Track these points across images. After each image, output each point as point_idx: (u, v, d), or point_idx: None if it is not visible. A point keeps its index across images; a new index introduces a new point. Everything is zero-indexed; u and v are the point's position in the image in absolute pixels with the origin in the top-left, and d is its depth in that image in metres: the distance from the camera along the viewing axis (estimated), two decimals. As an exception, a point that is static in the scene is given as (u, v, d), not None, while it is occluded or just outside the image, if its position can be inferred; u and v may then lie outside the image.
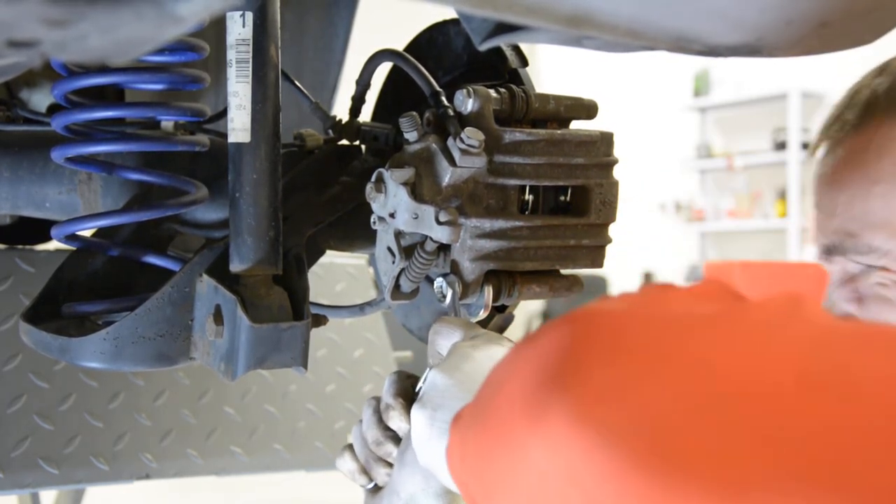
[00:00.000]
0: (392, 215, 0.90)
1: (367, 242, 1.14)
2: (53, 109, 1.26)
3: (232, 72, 0.92)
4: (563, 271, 0.97)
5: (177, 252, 1.13)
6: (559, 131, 0.92)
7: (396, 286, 0.92)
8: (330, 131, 1.12)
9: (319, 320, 1.00)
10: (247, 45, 0.92)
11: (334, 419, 1.68)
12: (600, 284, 7.22)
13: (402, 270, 0.91)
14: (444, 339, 0.81)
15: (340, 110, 1.16)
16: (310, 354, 0.96)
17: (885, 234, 0.88)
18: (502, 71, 0.99)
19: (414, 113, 0.90)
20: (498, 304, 0.93)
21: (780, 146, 7.28)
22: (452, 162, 0.86)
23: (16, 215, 1.48)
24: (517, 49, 1.00)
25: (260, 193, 0.94)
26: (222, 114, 0.98)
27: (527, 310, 7.30)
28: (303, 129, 1.12)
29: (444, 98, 0.92)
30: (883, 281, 0.89)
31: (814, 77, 6.90)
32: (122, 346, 0.99)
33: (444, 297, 0.90)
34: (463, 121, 0.88)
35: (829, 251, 0.92)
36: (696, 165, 7.92)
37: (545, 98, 0.93)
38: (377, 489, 0.85)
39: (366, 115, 1.13)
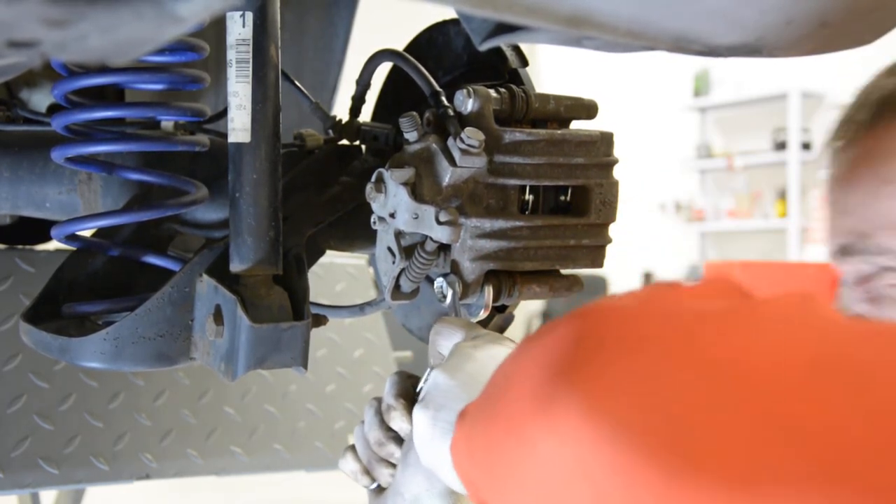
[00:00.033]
0: (392, 215, 0.90)
1: (367, 242, 1.14)
2: (53, 109, 1.26)
3: (232, 72, 0.92)
4: (563, 271, 0.97)
5: (177, 252, 1.13)
6: (559, 131, 0.92)
7: (397, 286, 0.92)
8: (330, 131, 1.12)
9: (319, 320, 1.00)
10: (247, 45, 0.92)
11: (334, 419, 1.68)
12: (600, 284, 7.22)
13: (402, 270, 0.91)
14: (446, 340, 0.81)
15: (340, 110, 1.16)
16: (310, 354, 0.96)
17: None
18: (502, 71, 0.99)
19: (414, 113, 0.90)
20: (498, 304, 0.93)
21: (780, 146, 7.28)
22: (453, 162, 0.86)
23: (16, 215, 1.48)
24: (517, 49, 1.00)
25: (260, 193, 0.94)
26: (222, 114, 0.98)
27: (527, 310, 7.30)
28: (303, 129, 1.12)
29: (444, 98, 0.92)
30: None
31: (814, 77, 6.90)
32: (123, 346, 0.99)
33: (445, 297, 0.90)
34: (463, 121, 0.88)
35: (843, 252, 0.92)
36: (696, 165, 7.92)
37: (545, 98, 0.93)
38: (380, 490, 0.85)
39: (366, 115, 1.13)
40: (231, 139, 0.94)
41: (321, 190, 1.07)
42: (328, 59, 1.61)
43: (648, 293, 0.55)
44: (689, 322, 0.50)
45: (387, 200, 0.90)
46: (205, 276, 0.96)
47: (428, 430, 0.69)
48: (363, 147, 1.11)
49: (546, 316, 7.25)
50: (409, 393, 0.84)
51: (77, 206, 1.14)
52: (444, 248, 0.90)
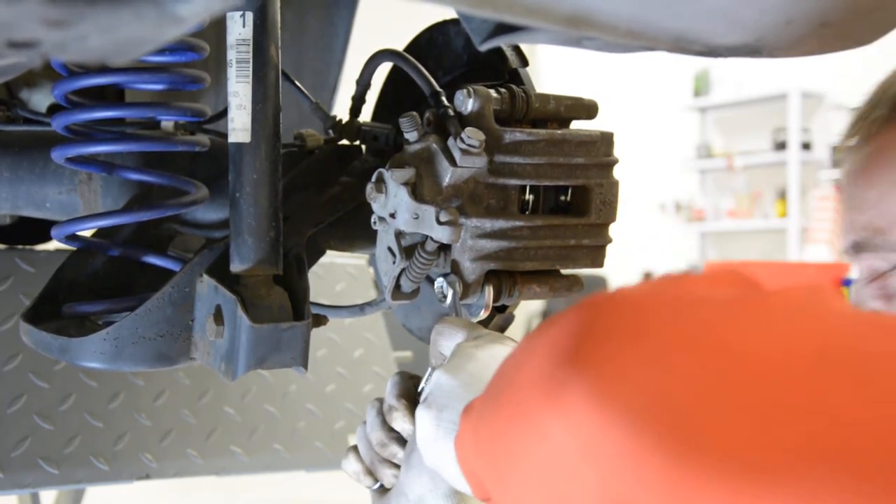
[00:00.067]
0: (392, 215, 0.90)
1: (367, 242, 1.14)
2: (53, 109, 1.26)
3: (232, 72, 0.92)
4: (564, 271, 0.97)
5: (177, 252, 1.13)
6: (559, 131, 0.92)
7: (397, 286, 0.92)
8: (330, 131, 1.12)
9: (320, 320, 1.00)
10: (247, 45, 0.92)
11: (334, 419, 1.68)
12: (600, 284, 7.22)
13: (402, 270, 0.91)
14: (447, 340, 0.81)
15: (340, 110, 1.16)
16: (310, 354, 0.96)
17: None
18: (502, 71, 0.99)
19: (414, 113, 0.90)
20: (498, 304, 0.93)
21: (780, 146, 7.28)
22: (453, 162, 0.86)
23: (16, 215, 1.48)
24: (517, 49, 1.00)
25: (260, 193, 0.94)
26: (222, 114, 0.98)
27: (527, 310, 7.30)
28: (303, 129, 1.12)
29: (444, 98, 0.92)
30: None
31: (814, 77, 6.90)
32: (123, 346, 0.99)
33: (445, 297, 0.90)
34: (463, 121, 0.88)
35: (857, 248, 0.92)
36: (696, 165, 7.92)
37: (545, 98, 0.93)
38: (383, 490, 0.85)
39: (366, 115, 1.13)
40: (231, 139, 0.94)
41: (321, 190, 1.07)
42: (328, 59, 1.61)
43: (657, 283, 0.55)
44: (698, 310, 0.50)
45: (387, 200, 0.90)
46: (205, 276, 0.96)
47: (431, 430, 0.69)
48: (363, 147, 1.11)
49: (546, 316, 7.24)
50: (410, 393, 0.84)
51: (77, 206, 1.14)
52: (444, 249, 0.90)
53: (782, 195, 7.33)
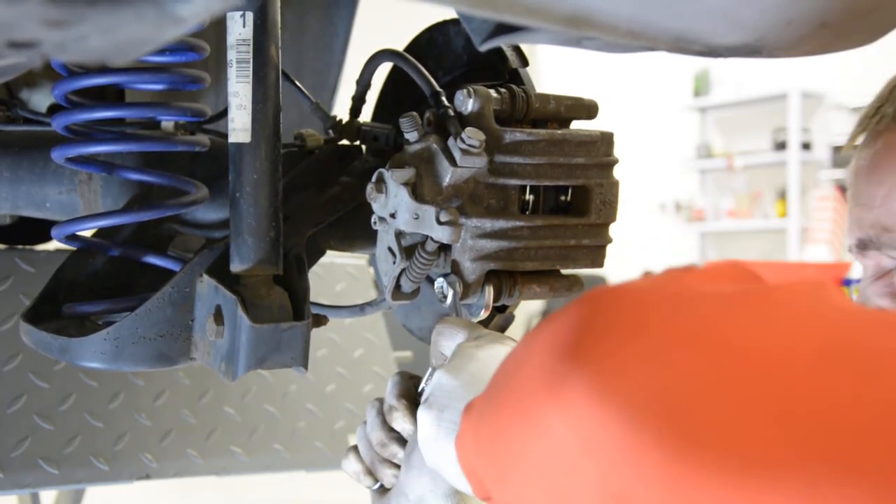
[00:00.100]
0: (393, 215, 0.90)
1: (367, 242, 1.14)
2: (53, 109, 1.26)
3: (232, 72, 0.92)
4: (564, 271, 0.97)
5: (177, 252, 1.13)
6: (559, 131, 0.92)
7: (397, 286, 0.92)
8: (330, 131, 1.12)
9: (320, 320, 1.00)
10: (247, 45, 0.92)
11: (334, 419, 1.68)
12: (600, 284, 7.22)
13: (402, 271, 0.91)
14: (448, 340, 0.81)
15: (340, 110, 1.16)
16: (310, 354, 0.96)
17: None
18: (502, 71, 0.99)
19: (414, 113, 0.90)
20: (498, 304, 0.93)
21: (780, 146, 7.28)
22: (453, 162, 0.86)
23: (16, 215, 1.48)
24: (517, 49, 1.00)
25: (260, 193, 0.94)
26: (222, 114, 0.98)
27: (527, 310, 7.30)
28: (303, 129, 1.12)
29: (444, 98, 0.92)
30: None
31: (814, 77, 6.90)
32: (123, 346, 0.99)
33: (445, 297, 0.90)
34: (463, 121, 0.88)
35: (864, 245, 0.92)
36: (696, 165, 7.92)
37: (545, 98, 0.93)
38: (383, 490, 0.85)
39: (366, 115, 1.13)
40: (231, 139, 0.94)
41: (321, 190, 1.07)
42: (328, 59, 1.62)
43: (662, 277, 0.55)
44: (699, 305, 0.50)
45: (387, 200, 0.90)
46: (205, 277, 0.96)
47: (432, 430, 0.69)
48: (363, 147, 1.11)
49: (546, 315, 7.24)
50: (410, 393, 0.84)
51: (77, 206, 1.14)
52: (444, 249, 0.90)
53: (782, 195, 7.33)
